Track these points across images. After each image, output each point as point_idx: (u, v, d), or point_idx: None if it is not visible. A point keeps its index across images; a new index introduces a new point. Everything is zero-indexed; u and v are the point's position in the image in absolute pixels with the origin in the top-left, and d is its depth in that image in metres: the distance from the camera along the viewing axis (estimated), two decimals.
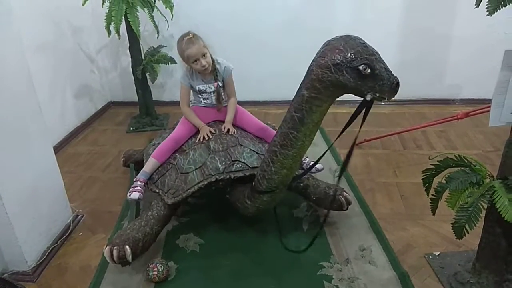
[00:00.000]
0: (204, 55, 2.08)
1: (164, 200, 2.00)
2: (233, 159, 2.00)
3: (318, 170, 2.29)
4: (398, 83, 1.41)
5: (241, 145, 2.08)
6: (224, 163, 1.99)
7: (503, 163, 1.54)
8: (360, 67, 1.38)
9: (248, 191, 1.89)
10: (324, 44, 1.49)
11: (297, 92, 1.58)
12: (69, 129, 3.47)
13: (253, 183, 1.84)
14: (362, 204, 2.34)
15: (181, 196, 1.97)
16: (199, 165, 2.02)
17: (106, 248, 1.80)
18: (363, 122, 1.51)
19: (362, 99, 1.47)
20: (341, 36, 1.46)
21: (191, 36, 2.08)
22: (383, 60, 1.42)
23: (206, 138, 2.12)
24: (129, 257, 1.79)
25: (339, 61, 1.40)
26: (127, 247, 1.78)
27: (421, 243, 2.04)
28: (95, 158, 3.11)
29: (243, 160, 2.00)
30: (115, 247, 1.78)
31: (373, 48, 1.43)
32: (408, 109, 3.73)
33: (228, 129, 2.17)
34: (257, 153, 2.07)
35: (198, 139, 2.15)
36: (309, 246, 1.96)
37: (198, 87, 2.21)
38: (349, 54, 1.39)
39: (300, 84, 1.56)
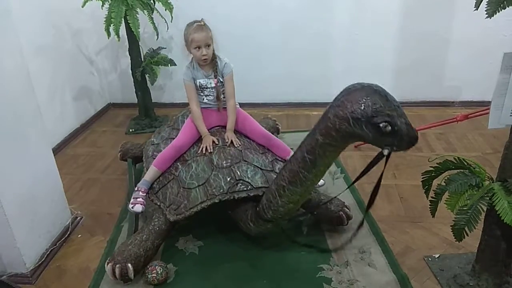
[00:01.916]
0: (208, 46, 2.08)
1: (166, 216, 1.98)
2: (237, 178, 1.95)
3: (319, 186, 2.31)
4: (417, 138, 1.37)
5: (245, 161, 2.04)
6: (228, 182, 1.95)
7: (503, 166, 1.54)
8: (381, 125, 1.33)
9: (252, 215, 1.88)
10: (343, 92, 1.43)
11: (310, 133, 1.54)
12: (68, 131, 3.46)
13: (258, 209, 1.84)
14: (362, 206, 2.33)
15: (184, 215, 1.95)
16: (202, 181, 1.98)
17: (108, 265, 1.81)
18: (383, 170, 1.47)
19: None
20: (363, 86, 1.39)
21: (202, 23, 2.09)
22: (404, 114, 1.37)
23: (209, 151, 2.08)
24: (131, 275, 1.80)
25: (359, 116, 1.35)
26: (129, 265, 1.79)
27: (421, 245, 2.04)
28: (94, 160, 3.10)
29: (247, 180, 1.96)
30: (117, 265, 1.79)
31: (395, 101, 1.37)
32: (407, 111, 3.60)
33: (231, 141, 2.13)
34: (261, 169, 2.03)
35: (200, 149, 2.11)
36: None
37: (199, 82, 2.18)
38: (370, 110, 1.33)
39: (315, 127, 1.52)
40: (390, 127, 1.33)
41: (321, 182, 2.29)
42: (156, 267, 1.83)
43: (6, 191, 1.80)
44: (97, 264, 1.99)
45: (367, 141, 1.44)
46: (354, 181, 1.63)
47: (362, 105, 1.34)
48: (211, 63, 2.17)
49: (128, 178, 2.65)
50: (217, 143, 2.13)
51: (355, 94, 1.38)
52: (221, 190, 1.93)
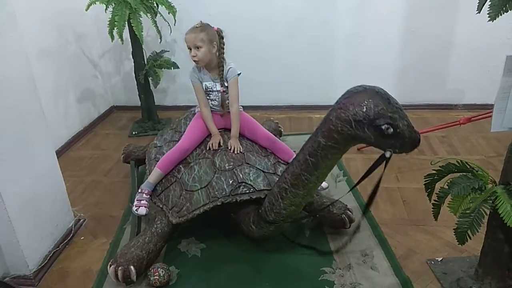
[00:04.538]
0: (197, 48, 2.04)
1: (169, 218, 1.98)
2: (239, 181, 1.95)
3: (323, 188, 2.31)
4: (419, 140, 1.37)
5: (248, 163, 2.04)
6: (230, 185, 1.94)
7: (506, 169, 1.54)
8: (383, 127, 1.32)
9: (254, 217, 1.89)
10: (345, 94, 1.42)
11: (312, 136, 1.54)
12: (71, 133, 3.48)
13: (260, 211, 1.84)
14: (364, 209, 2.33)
15: (186, 217, 1.94)
16: (204, 184, 1.98)
17: (111, 268, 1.81)
18: (383, 174, 1.47)
19: None
20: (365, 89, 1.38)
21: (197, 25, 2.09)
22: (406, 116, 1.37)
23: (215, 148, 2.11)
24: (134, 277, 1.81)
25: (361, 118, 1.34)
26: (131, 267, 1.80)
27: (424, 248, 2.04)
28: (98, 162, 3.11)
29: (249, 182, 1.95)
30: (120, 268, 1.79)
31: (397, 103, 1.37)
32: (410, 114, 3.61)
33: (234, 148, 2.11)
34: (264, 172, 2.03)
35: (208, 145, 2.13)
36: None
37: (205, 84, 2.18)
38: (373, 113, 1.33)
39: (316, 129, 1.52)
40: (392, 129, 1.33)
41: (324, 184, 2.29)
42: (158, 269, 1.84)
43: (10, 193, 1.81)
44: (100, 266, 2.00)
45: (369, 143, 1.44)
46: (356, 184, 1.63)
47: (364, 107, 1.34)
48: (218, 69, 2.14)
49: (131, 180, 2.65)
50: (221, 145, 2.14)
51: (357, 97, 1.37)
52: (224, 193, 1.93)
